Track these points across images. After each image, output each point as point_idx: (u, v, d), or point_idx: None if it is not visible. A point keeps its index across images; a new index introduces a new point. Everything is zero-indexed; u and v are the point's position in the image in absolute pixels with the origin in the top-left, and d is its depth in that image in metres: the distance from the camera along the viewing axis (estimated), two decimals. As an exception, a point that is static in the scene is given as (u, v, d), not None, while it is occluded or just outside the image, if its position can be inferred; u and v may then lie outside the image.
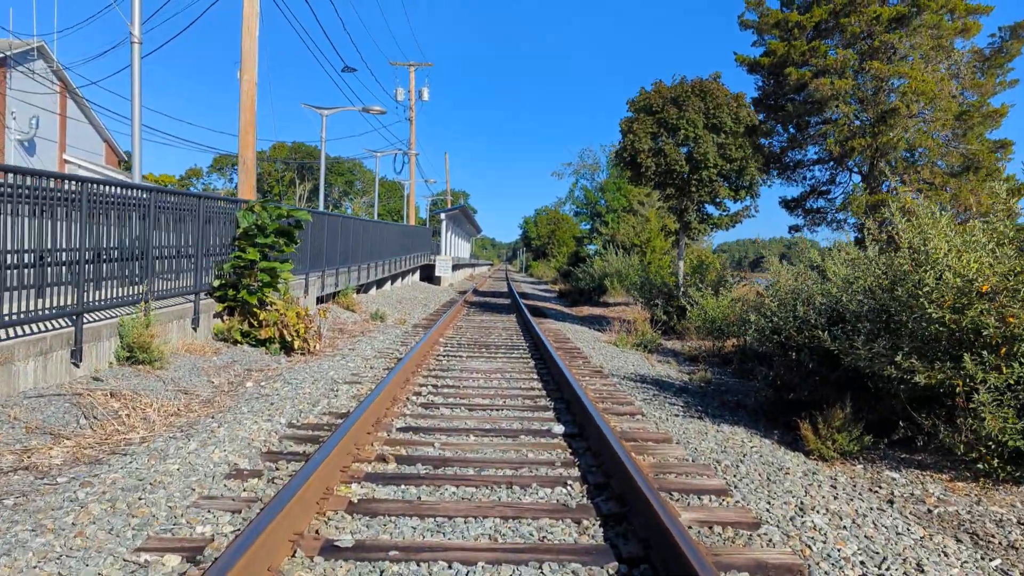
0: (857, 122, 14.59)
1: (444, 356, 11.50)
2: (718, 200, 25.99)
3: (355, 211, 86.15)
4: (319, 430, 6.28)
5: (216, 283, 10.56)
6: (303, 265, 15.09)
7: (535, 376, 9.76)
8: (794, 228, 17.63)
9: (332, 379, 8.86)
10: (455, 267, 46.42)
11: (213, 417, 6.75)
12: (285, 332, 10.44)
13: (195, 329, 9.97)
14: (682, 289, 19.59)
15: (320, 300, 17.33)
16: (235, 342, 10.45)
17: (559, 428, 6.66)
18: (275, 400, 7.50)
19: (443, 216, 53.94)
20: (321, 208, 23.45)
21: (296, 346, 10.56)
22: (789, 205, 17.38)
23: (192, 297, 10.06)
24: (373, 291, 23.78)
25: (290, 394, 7.83)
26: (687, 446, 6.28)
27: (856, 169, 15.93)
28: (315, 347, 11.03)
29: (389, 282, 27.16)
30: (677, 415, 7.69)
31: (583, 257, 49.04)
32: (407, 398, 7.90)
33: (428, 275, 39.40)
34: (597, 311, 27.22)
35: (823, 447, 6.27)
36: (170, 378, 7.99)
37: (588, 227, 54.05)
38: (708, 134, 25.10)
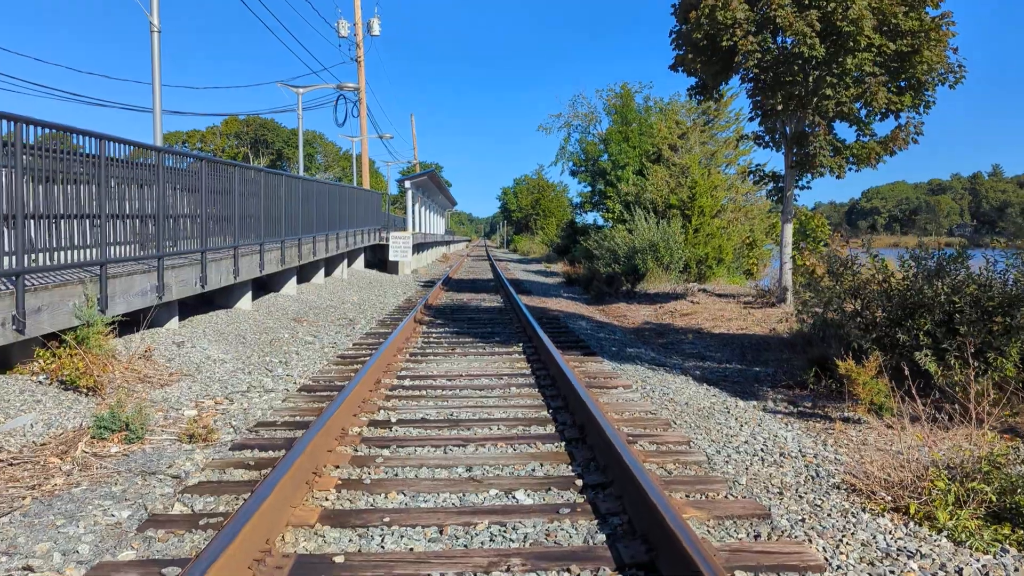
0: None
1: None
2: (867, 112, 15.07)
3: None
4: None
5: None
6: None
7: None
8: None
9: None
10: (420, 247, 35.25)
11: None
12: None
13: None
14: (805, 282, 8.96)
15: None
16: None
17: None
18: None
19: (408, 184, 42.34)
20: (158, 143, 12.09)
21: None
22: None
23: None
24: (243, 303, 12.69)
25: None
26: None
27: None
28: None
29: (293, 279, 16.03)
30: None
31: (582, 228, 37.97)
32: None
33: (381, 259, 28.29)
34: (649, 314, 16.22)
35: None
36: None
37: (588, 189, 42.74)
38: (857, -12, 14.03)
